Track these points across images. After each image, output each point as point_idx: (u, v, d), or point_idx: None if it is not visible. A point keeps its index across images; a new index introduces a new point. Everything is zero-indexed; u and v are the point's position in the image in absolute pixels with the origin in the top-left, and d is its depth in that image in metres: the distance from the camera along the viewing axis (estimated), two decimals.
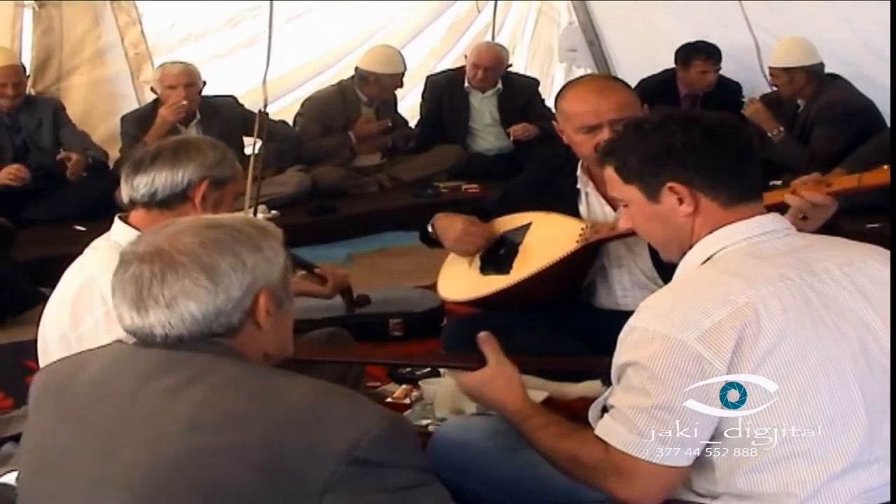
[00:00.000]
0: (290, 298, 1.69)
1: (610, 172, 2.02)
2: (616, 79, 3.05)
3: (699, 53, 6.48)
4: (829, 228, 2.42)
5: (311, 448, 1.41)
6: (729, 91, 6.60)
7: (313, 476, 1.40)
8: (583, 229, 3.01)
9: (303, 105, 6.62)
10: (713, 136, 1.91)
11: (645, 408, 1.77)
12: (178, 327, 1.54)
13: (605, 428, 1.85)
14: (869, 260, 1.90)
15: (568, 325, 3.06)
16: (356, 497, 1.41)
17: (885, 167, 2.48)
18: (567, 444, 1.92)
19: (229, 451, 1.42)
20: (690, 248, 1.94)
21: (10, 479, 2.37)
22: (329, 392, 1.52)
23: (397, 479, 1.44)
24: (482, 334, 2.17)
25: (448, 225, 3.24)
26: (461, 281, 3.27)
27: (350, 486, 1.40)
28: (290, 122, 6.63)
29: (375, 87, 6.49)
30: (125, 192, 2.43)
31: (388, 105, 6.80)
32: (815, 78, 5.77)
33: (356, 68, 6.51)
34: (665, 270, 2.84)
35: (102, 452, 1.49)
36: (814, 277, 1.82)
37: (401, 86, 6.66)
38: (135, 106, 6.32)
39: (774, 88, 6.03)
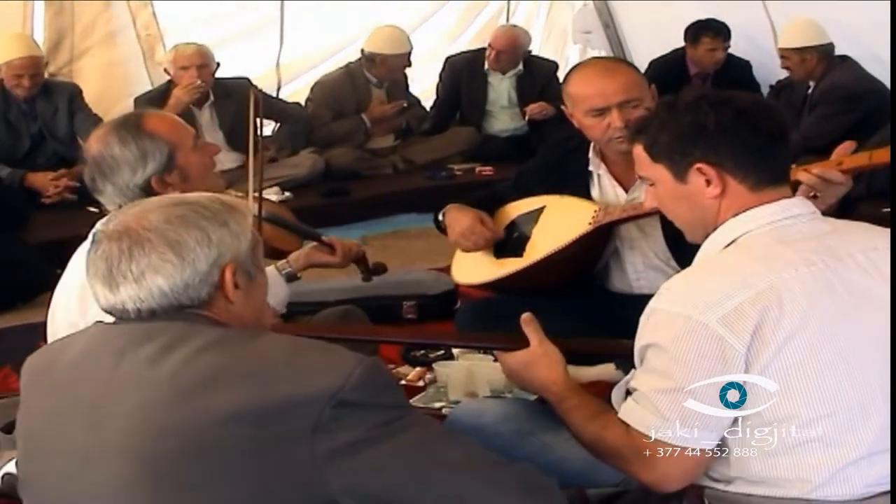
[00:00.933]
0: (262, 272, 1.73)
1: (639, 151, 2.00)
2: (620, 60, 3.05)
3: (708, 31, 6.46)
4: (847, 211, 2.40)
5: (297, 395, 1.47)
6: (739, 69, 6.58)
7: (301, 422, 1.46)
8: (595, 211, 3.00)
9: (312, 90, 6.60)
10: (746, 117, 1.89)
11: (666, 390, 1.76)
12: (147, 301, 1.58)
13: (627, 410, 1.85)
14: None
15: (582, 309, 3.04)
16: (345, 434, 1.47)
17: (862, 152, 2.47)
18: (593, 426, 1.92)
19: (217, 409, 1.47)
20: (715, 229, 1.92)
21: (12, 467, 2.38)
22: (305, 343, 1.61)
23: (379, 416, 1.51)
24: (525, 315, 2.14)
25: (456, 219, 3.22)
26: (475, 265, 3.26)
27: (338, 425, 1.47)
28: (304, 104, 6.62)
29: (383, 67, 6.47)
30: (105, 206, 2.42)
31: (399, 85, 6.78)
32: (826, 58, 5.73)
33: (362, 50, 6.49)
34: (679, 252, 2.84)
35: (91, 426, 1.53)
36: (838, 262, 1.81)
37: (409, 65, 6.64)
38: (147, 87, 6.31)
39: (787, 71, 5.99)
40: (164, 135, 2.39)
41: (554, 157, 3.27)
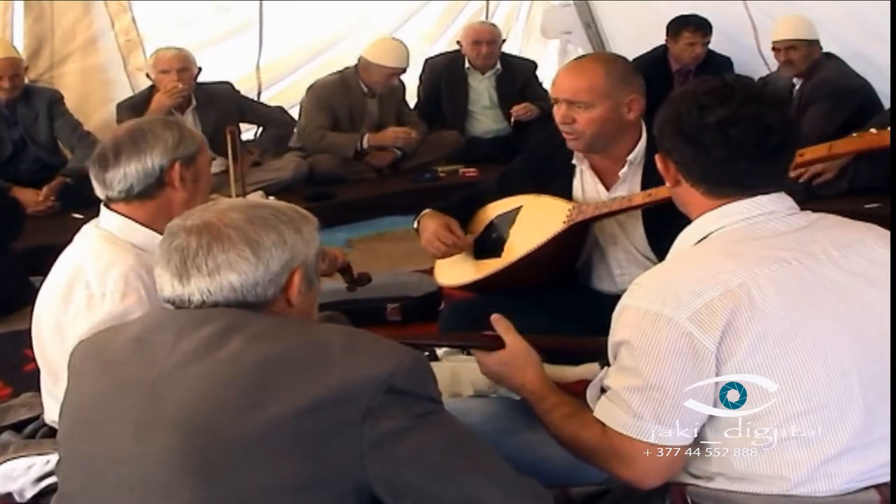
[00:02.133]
0: (319, 280, 1.81)
1: None
2: (603, 60, 3.05)
3: (688, 25, 6.50)
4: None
5: (351, 380, 1.52)
6: (719, 66, 6.59)
7: (354, 408, 1.51)
8: (570, 210, 3.02)
9: (305, 94, 6.53)
10: (722, 129, 1.84)
11: (638, 388, 1.77)
12: (216, 295, 1.64)
13: (601, 409, 1.86)
14: (868, 240, 1.88)
15: (566, 308, 3.06)
16: (390, 421, 1.52)
17: (854, 135, 2.50)
18: (570, 425, 1.93)
19: (275, 392, 1.51)
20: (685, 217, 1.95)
21: (9, 468, 2.38)
22: (357, 331, 1.69)
23: (421, 407, 1.57)
24: (495, 316, 2.17)
25: (425, 226, 3.27)
26: (456, 266, 3.29)
27: (385, 412, 1.52)
28: (287, 107, 6.61)
29: (365, 74, 6.38)
30: (100, 192, 2.39)
31: (395, 97, 6.69)
32: (815, 54, 5.74)
33: (360, 57, 6.42)
34: (660, 247, 2.86)
35: (147, 400, 1.57)
36: (811, 259, 1.81)
37: (396, 82, 6.56)
38: (128, 93, 6.29)
39: (774, 67, 5.99)
40: (195, 136, 2.46)
41: (542, 151, 3.29)
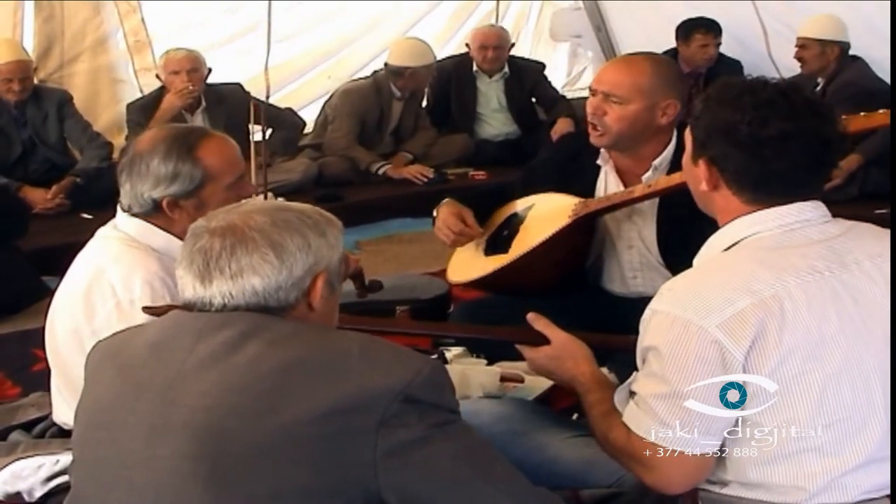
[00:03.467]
0: (341, 285, 1.79)
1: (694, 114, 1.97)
2: (652, 61, 3.01)
3: (699, 27, 6.50)
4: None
5: (367, 388, 1.50)
6: (730, 69, 6.55)
7: (370, 416, 1.49)
8: (576, 205, 3.00)
9: (337, 97, 6.52)
10: (779, 142, 1.80)
11: (664, 395, 1.76)
12: (237, 298, 1.61)
13: (628, 414, 1.85)
14: None
15: (574, 309, 3.03)
16: (405, 431, 1.50)
17: (863, 114, 2.49)
18: (603, 424, 1.93)
19: (291, 398, 1.50)
20: (715, 219, 1.92)
21: (19, 467, 2.38)
22: (376, 340, 1.64)
23: (438, 417, 1.54)
24: (531, 315, 2.18)
25: (440, 211, 3.27)
26: (467, 264, 3.28)
27: (401, 421, 1.50)
28: (296, 109, 6.61)
29: (411, 80, 6.43)
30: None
31: (416, 99, 6.73)
32: (842, 56, 5.74)
33: (386, 64, 6.45)
34: (670, 253, 2.86)
35: (163, 403, 1.56)
36: (843, 269, 1.79)
37: (434, 75, 6.63)
38: (136, 93, 6.30)
39: (785, 71, 5.98)
40: (208, 165, 2.34)
41: (568, 150, 3.28)
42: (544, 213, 3.11)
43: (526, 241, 3.09)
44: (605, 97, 2.88)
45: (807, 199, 1.86)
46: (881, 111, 2.52)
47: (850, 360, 1.74)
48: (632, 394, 1.86)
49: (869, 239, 1.88)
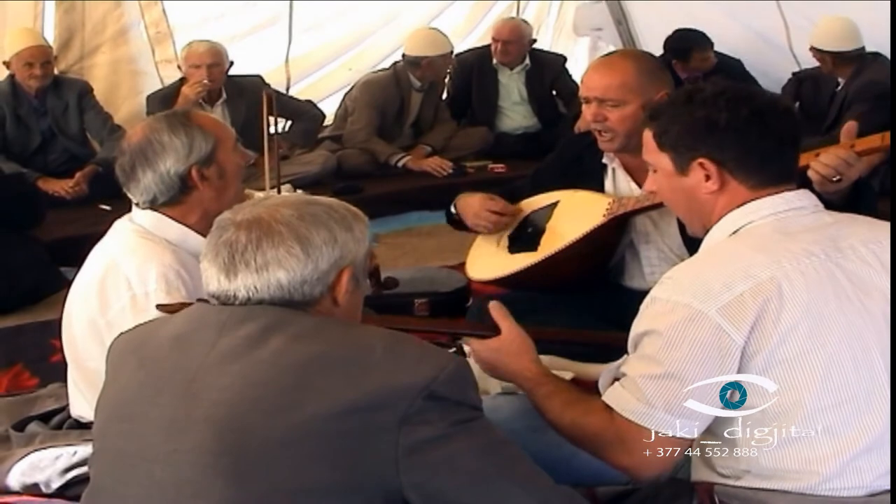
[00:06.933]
0: (366, 280, 1.78)
1: (648, 136, 2.02)
2: (631, 56, 3.03)
3: (694, 46, 6.47)
4: (869, 210, 2.40)
5: (391, 384, 1.50)
6: (731, 67, 6.57)
7: (392, 412, 1.49)
8: (609, 203, 2.99)
9: (358, 89, 6.54)
10: (759, 118, 1.89)
11: (655, 375, 1.77)
12: (262, 291, 1.61)
13: (612, 395, 1.85)
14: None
15: (594, 306, 3.03)
16: (428, 428, 1.49)
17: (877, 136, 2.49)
18: (573, 411, 1.92)
19: (312, 393, 1.49)
20: (712, 226, 1.94)
21: (37, 458, 2.38)
22: (400, 335, 1.64)
23: (460, 414, 1.54)
24: (492, 303, 2.15)
25: (467, 203, 3.24)
26: (489, 260, 3.25)
27: (423, 418, 1.49)
28: (316, 101, 6.61)
29: (429, 70, 6.45)
30: (132, 199, 2.42)
31: (436, 90, 6.74)
32: (859, 57, 5.71)
33: (404, 55, 6.47)
34: (694, 247, 2.83)
35: (184, 396, 1.56)
36: (839, 254, 1.82)
37: (453, 63, 6.66)
38: (157, 85, 6.31)
39: (805, 66, 5.96)
40: (210, 129, 2.41)
41: (571, 152, 3.27)
42: (575, 211, 3.09)
43: (557, 238, 3.07)
44: (600, 103, 2.89)
45: (790, 189, 1.91)
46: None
47: (850, 339, 1.75)
48: (616, 379, 1.87)
49: (863, 226, 1.92)
